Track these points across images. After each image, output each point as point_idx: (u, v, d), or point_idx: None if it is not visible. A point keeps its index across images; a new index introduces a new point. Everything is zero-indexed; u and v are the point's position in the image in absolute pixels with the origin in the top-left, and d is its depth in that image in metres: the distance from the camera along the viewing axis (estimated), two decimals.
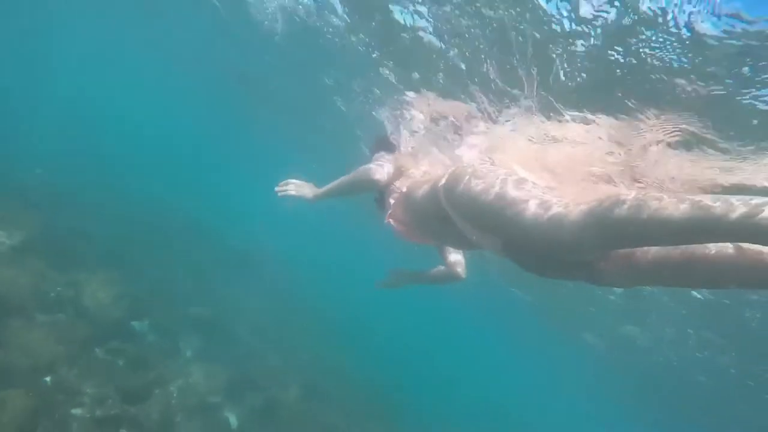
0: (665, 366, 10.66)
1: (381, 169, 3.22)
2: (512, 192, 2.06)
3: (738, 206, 1.42)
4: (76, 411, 6.06)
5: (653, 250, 1.86)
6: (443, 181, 2.46)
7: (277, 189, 3.51)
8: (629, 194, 1.68)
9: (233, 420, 8.53)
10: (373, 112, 6.57)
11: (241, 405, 8.91)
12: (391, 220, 3.12)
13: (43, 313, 7.55)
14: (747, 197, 1.44)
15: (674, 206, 1.52)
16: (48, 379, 6.39)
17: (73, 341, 7.34)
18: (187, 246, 13.41)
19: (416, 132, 5.05)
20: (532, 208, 1.93)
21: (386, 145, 3.88)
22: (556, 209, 1.86)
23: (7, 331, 6.42)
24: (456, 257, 3.56)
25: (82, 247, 9.53)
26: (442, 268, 3.59)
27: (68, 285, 8.14)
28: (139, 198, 14.74)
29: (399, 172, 3.40)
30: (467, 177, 2.29)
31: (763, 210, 1.37)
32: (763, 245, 1.48)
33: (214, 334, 10.63)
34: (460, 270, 3.52)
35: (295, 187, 3.50)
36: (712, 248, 1.73)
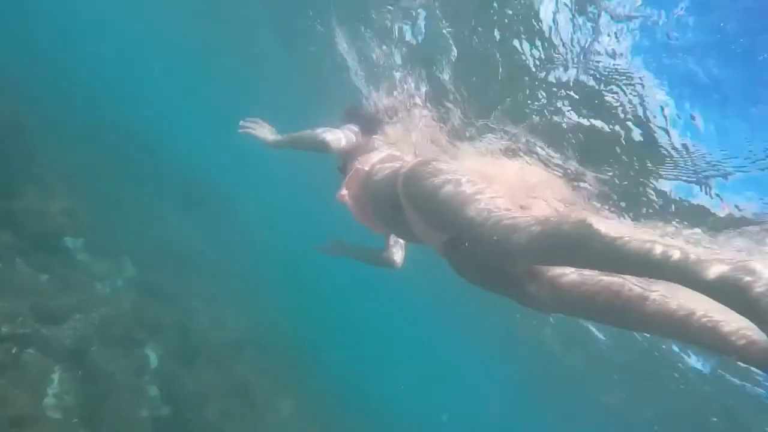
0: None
1: (334, 135, 3.30)
2: (471, 194, 2.10)
3: (681, 251, 1.43)
4: None
5: (581, 283, 1.90)
6: (405, 169, 2.48)
7: (241, 123, 3.59)
8: (580, 214, 1.74)
9: (153, 359, 8.25)
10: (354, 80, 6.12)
11: (165, 345, 8.61)
12: (344, 194, 3.10)
13: None
14: (692, 247, 1.46)
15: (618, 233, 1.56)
16: None
17: None
18: (140, 170, 12.71)
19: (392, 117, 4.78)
20: (487, 211, 1.98)
21: (355, 117, 3.78)
22: (510, 215, 1.92)
23: None
24: (399, 246, 3.66)
25: (19, 148, 8.78)
26: (382, 252, 3.68)
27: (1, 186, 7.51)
28: (100, 119, 13.72)
29: (365, 149, 3.36)
30: (430, 170, 2.30)
31: (704, 263, 1.38)
32: (699, 292, 1.45)
33: (152, 266, 10.20)
34: (398, 259, 3.64)
35: (258, 127, 3.60)
36: (634, 289, 1.77)
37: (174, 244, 11.67)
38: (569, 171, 3.61)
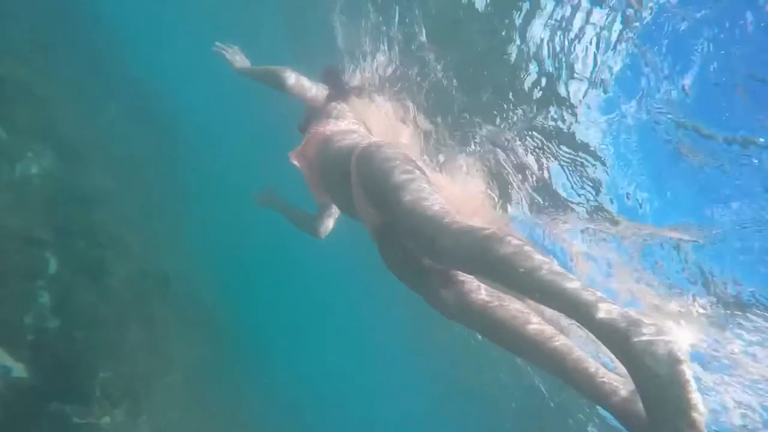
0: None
1: (301, 80, 3.41)
2: (416, 186, 2.15)
3: (580, 285, 1.56)
4: None
5: (485, 303, 2.01)
6: (364, 144, 2.53)
7: (216, 43, 3.74)
8: (510, 235, 1.82)
9: (53, 264, 7.50)
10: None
11: (69, 252, 7.85)
12: (298, 154, 3.12)
13: None
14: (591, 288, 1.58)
15: (532, 260, 1.65)
16: None
17: None
18: (93, 67, 11.41)
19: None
20: (427, 206, 2.04)
21: (331, 79, 3.75)
22: (447, 215, 1.98)
23: None
24: (329, 219, 3.75)
25: None
26: (311, 217, 3.76)
27: None
28: None
29: (328, 113, 3.35)
30: (388, 154, 2.34)
31: (599, 302, 1.50)
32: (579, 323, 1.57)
33: (77, 165, 9.24)
34: (323, 231, 3.73)
35: (231, 53, 3.75)
36: (533, 322, 1.89)
37: (110, 147, 10.65)
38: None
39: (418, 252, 2.13)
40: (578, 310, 1.53)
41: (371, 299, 14.03)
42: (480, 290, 2.07)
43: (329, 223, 3.74)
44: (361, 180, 2.39)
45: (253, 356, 14.26)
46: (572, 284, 1.57)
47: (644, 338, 1.38)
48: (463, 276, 2.12)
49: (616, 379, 1.70)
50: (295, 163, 3.11)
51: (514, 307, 1.96)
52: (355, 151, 2.51)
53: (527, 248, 1.71)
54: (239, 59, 3.76)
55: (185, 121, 15.43)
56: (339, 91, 3.64)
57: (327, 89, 3.56)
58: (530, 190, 4.02)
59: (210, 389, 9.66)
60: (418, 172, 2.26)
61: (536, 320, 1.91)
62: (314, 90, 3.49)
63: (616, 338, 1.43)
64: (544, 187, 3.91)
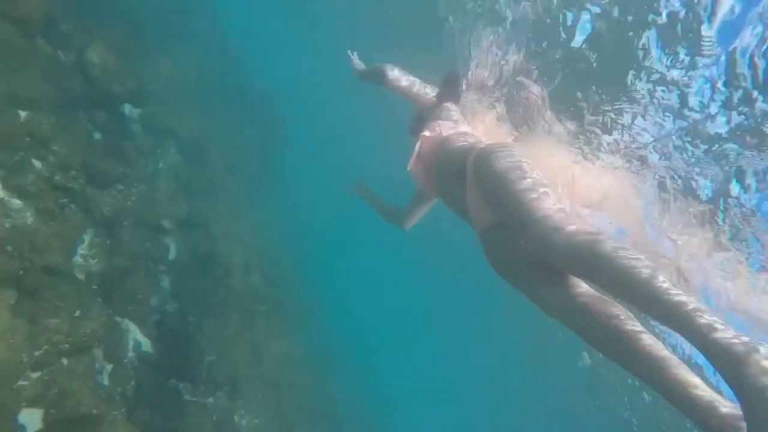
0: None
1: (402, 75, 3.70)
2: (534, 186, 2.22)
3: (697, 302, 1.55)
4: (37, 163, 5.49)
5: (586, 305, 2.01)
6: (482, 146, 2.64)
7: (349, 53, 4.16)
8: (623, 243, 1.82)
9: (172, 251, 8.20)
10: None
11: (186, 242, 8.55)
12: (415, 162, 3.21)
13: (48, 41, 6.73)
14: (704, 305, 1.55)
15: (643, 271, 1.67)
16: (23, 114, 5.73)
17: (63, 90, 6.63)
18: (202, 58, 12.34)
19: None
20: (547, 204, 2.12)
21: (451, 85, 3.77)
22: (564, 216, 2.05)
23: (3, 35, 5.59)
24: (416, 215, 3.85)
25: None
26: (397, 210, 3.91)
27: (80, 33, 7.24)
28: None
29: (440, 115, 3.43)
30: (504, 154, 2.42)
31: (715, 323, 1.47)
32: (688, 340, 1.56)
33: (196, 160, 10.06)
34: (409, 223, 3.85)
35: (357, 60, 4.15)
36: (645, 339, 1.82)
37: (223, 143, 11.46)
38: None
39: (530, 252, 2.18)
40: (692, 327, 1.51)
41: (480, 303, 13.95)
42: (583, 292, 2.09)
43: (416, 218, 3.89)
44: (479, 179, 2.49)
45: (344, 353, 14.67)
46: (689, 300, 1.55)
47: (762, 366, 1.33)
48: (568, 276, 2.15)
49: (717, 399, 1.61)
50: (413, 169, 3.24)
51: (615, 311, 1.95)
52: (472, 151, 2.61)
53: (645, 260, 1.71)
54: (360, 65, 4.13)
55: (296, 121, 16.31)
56: (454, 95, 3.72)
57: (438, 91, 3.68)
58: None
59: (299, 383, 10.03)
60: (536, 173, 2.32)
61: (637, 325, 1.89)
62: (417, 86, 3.72)
63: (730, 362, 1.40)
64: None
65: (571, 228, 1.95)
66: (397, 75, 3.69)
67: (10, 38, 5.72)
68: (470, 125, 3.49)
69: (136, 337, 6.28)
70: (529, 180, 2.27)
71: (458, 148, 2.91)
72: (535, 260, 2.20)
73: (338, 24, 11.60)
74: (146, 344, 6.38)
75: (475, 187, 2.51)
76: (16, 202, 5.05)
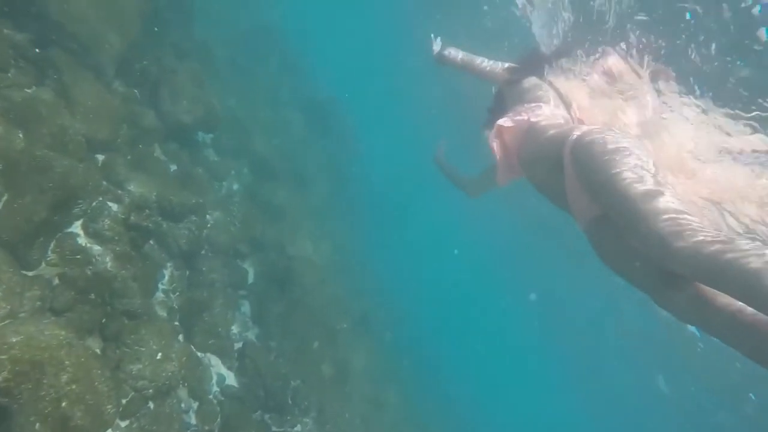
0: None
1: (474, 56, 3.64)
2: (644, 179, 1.96)
3: None
4: (113, 206, 5.55)
5: (725, 305, 1.74)
6: (579, 133, 2.35)
7: (433, 35, 3.95)
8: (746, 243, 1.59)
9: (251, 275, 8.19)
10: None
11: (263, 264, 8.53)
12: (495, 137, 2.99)
13: (122, 81, 6.88)
14: None
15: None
16: (101, 157, 5.85)
17: (139, 127, 6.76)
18: (278, 83, 12.37)
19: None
20: (659, 208, 1.84)
21: (533, 59, 3.66)
22: (684, 219, 1.78)
23: (81, 84, 5.71)
24: (487, 186, 3.78)
25: (178, 33, 8.59)
26: (469, 180, 3.89)
27: (154, 68, 7.35)
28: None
29: (525, 96, 3.16)
30: (607, 142, 2.16)
31: None
32: None
33: (269, 178, 10.08)
34: (478, 192, 3.86)
35: (439, 43, 3.90)
36: None
37: (294, 160, 11.44)
38: None
39: (644, 252, 1.93)
40: None
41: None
42: (732, 302, 1.76)
43: (486, 188, 3.84)
44: (578, 171, 2.25)
45: (429, 366, 14.29)
46: None
47: None
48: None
49: None
50: (493, 144, 2.99)
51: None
52: (568, 139, 2.36)
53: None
54: (440, 46, 3.97)
55: (368, 134, 16.22)
56: (538, 67, 3.48)
57: (519, 64, 3.47)
58: None
59: (385, 397, 9.76)
60: (643, 160, 2.05)
61: None
62: (493, 64, 3.55)
63: None
64: None
65: (696, 236, 1.68)
66: (470, 55, 3.67)
67: (88, 84, 5.84)
68: (561, 106, 3.16)
69: (219, 370, 6.25)
70: (637, 170, 2.00)
71: (551, 137, 2.59)
72: (655, 262, 1.92)
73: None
74: (230, 377, 6.33)
75: (575, 178, 2.28)
76: (97, 248, 5.11)
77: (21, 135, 4.46)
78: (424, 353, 14.67)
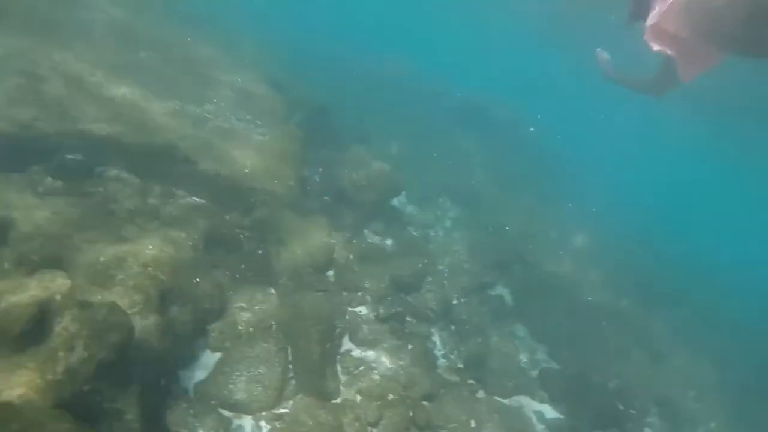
0: None
1: None
2: None
3: None
4: (361, 310, 5.96)
5: None
6: None
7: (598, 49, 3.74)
8: None
9: (508, 297, 7.89)
10: None
11: (511, 280, 8.16)
12: (655, 36, 2.67)
13: (312, 201, 7.60)
14: None
15: None
16: (331, 273, 6.41)
17: (342, 226, 7.28)
18: (429, 105, 12.32)
19: None
20: None
21: None
22: None
23: (285, 224, 6.40)
24: (671, 81, 3.21)
25: (331, 126, 9.26)
26: (648, 79, 3.44)
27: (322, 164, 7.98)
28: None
29: None
30: None
31: None
32: None
33: (469, 202, 9.87)
34: (662, 90, 3.37)
35: (606, 57, 3.72)
36: None
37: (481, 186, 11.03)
38: None
39: None
40: None
41: None
42: None
43: (669, 86, 3.37)
44: None
45: None
46: None
47: None
48: None
49: None
50: (654, 44, 2.71)
51: None
52: None
53: None
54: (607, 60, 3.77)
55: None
56: None
57: None
58: None
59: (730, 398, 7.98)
60: None
61: None
62: None
63: None
64: None
65: None
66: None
67: (312, 233, 6.60)
68: None
69: (534, 408, 5.96)
70: None
71: None
72: None
73: None
74: (547, 410, 5.98)
75: None
76: (370, 353, 5.50)
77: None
78: None
